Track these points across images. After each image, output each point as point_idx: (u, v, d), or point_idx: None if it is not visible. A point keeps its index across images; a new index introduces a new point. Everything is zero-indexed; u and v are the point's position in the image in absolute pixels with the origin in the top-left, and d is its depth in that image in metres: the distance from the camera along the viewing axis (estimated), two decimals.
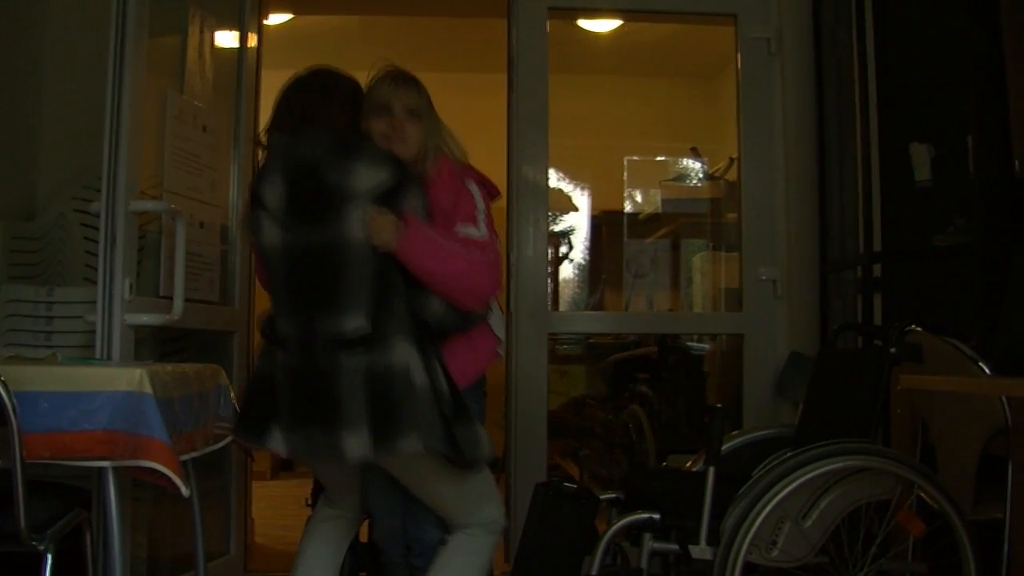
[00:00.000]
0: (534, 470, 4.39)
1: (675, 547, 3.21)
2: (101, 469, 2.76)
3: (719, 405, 3.57)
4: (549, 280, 4.94)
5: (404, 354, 2.73)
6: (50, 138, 4.23)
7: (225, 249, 4.27)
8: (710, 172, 6.57)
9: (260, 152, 3.03)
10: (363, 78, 3.02)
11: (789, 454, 3.10)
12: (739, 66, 4.74)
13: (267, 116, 3.00)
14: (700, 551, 3.06)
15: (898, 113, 4.13)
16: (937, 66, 3.99)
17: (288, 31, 6.28)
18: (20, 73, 4.19)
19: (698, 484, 3.12)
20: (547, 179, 4.64)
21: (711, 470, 3.09)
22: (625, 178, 6.92)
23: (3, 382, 2.51)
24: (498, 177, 3.20)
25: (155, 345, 3.73)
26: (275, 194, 2.83)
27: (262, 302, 3.04)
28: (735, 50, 4.75)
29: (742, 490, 3.05)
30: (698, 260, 6.48)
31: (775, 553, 2.99)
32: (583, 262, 7.32)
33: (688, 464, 3.78)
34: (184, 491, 2.74)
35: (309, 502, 3.59)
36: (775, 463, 3.07)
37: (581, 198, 7.37)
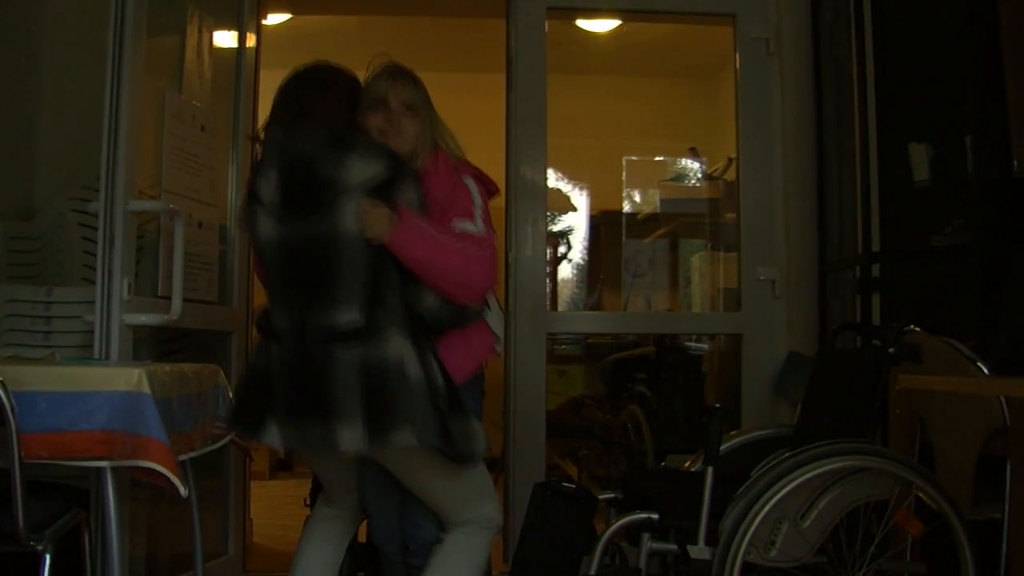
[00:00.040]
0: (532, 470, 4.38)
1: (674, 547, 3.21)
2: (99, 469, 2.76)
3: (717, 405, 3.58)
4: (547, 280, 4.94)
5: (398, 347, 2.72)
6: (49, 138, 4.23)
7: (224, 249, 4.27)
8: (709, 172, 6.57)
9: (258, 148, 3.03)
10: (362, 77, 3.02)
11: (788, 454, 3.11)
12: (738, 66, 4.74)
13: (266, 115, 3.00)
14: (699, 551, 3.06)
15: (897, 113, 4.13)
16: (936, 66, 3.99)
17: (287, 31, 6.28)
18: (19, 73, 4.19)
19: (697, 484, 3.12)
20: (545, 179, 4.64)
21: (709, 470, 3.09)
22: (624, 178, 6.92)
23: (2, 382, 2.50)
24: (497, 177, 3.20)
25: (153, 345, 3.73)
26: (270, 188, 2.84)
27: (261, 302, 3.04)
28: (734, 50, 4.75)
29: (740, 490, 3.05)
30: (697, 260, 6.48)
31: (773, 553, 2.99)
32: (581, 262, 7.32)
33: (687, 464, 3.78)
34: (182, 491, 2.74)
35: (307, 502, 3.59)
36: (773, 463, 3.07)
37: (580, 198, 7.37)
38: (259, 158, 2.99)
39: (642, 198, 6.91)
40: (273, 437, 2.84)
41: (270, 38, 5.25)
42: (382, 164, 2.78)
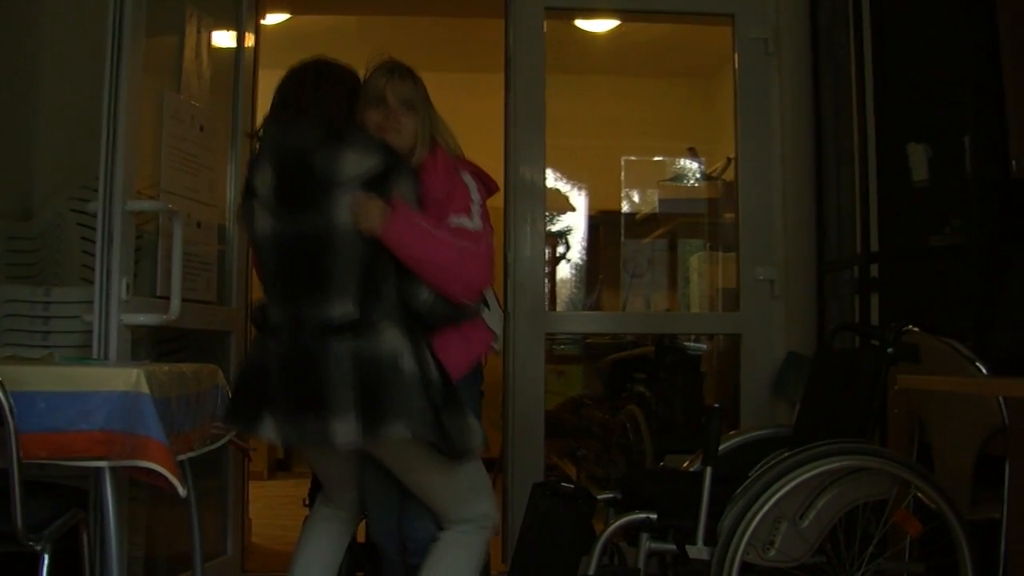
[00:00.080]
0: (531, 470, 4.39)
1: (672, 547, 3.21)
2: (98, 469, 2.75)
3: (716, 405, 3.58)
4: (546, 280, 4.95)
5: (392, 340, 2.72)
6: (47, 138, 4.23)
7: (222, 249, 4.26)
8: (707, 172, 6.58)
9: (256, 145, 3.03)
10: (362, 75, 3.02)
11: (786, 454, 3.11)
12: (736, 66, 4.74)
13: (265, 113, 3.00)
14: (697, 551, 3.06)
15: (895, 113, 4.13)
16: (934, 66, 3.99)
17: (285, 31, 6.28)
18: (17, 73, 4.19)
19: (695, 484, 3.12)
20: (544, 179, 4.65)
21: (708, 470, 3.09)
22: (622, 178, 6.93)
23: (0, 382, 2.50)
24: (496, 177, 3.20)
25: (152, 345, 3.73)
26: (265, 182, 2.84)
27: (258, 297, 3.05)
28: (732, 50, 4.75)
29: (739, 490, 3.05)
30: (695, 260, 6.49)
31: (772, 553, 2.99)
32: (580, 262, 7.33)
33: (685, 464, 3.79)
34: (181, 491, 2.73)
35: (306, 502, 3.59)
36: (772, 463, 3.07)
37: (578, 198, 7.38)
38: (256, 153, 2.99)
39: (641, 198, 6.91)
40: (269, 431, 2.84)
41: (269, 38, 5.25)
42: (377, 157, 2.78)
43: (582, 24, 6.13)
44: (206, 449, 3.15)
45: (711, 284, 6.30)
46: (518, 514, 3.73)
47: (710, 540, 3.04)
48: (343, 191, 2.73)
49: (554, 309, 6.72)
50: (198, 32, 4.05)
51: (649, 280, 6.61)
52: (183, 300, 3.53)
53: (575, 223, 7.35)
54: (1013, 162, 3.34)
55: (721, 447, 3.43)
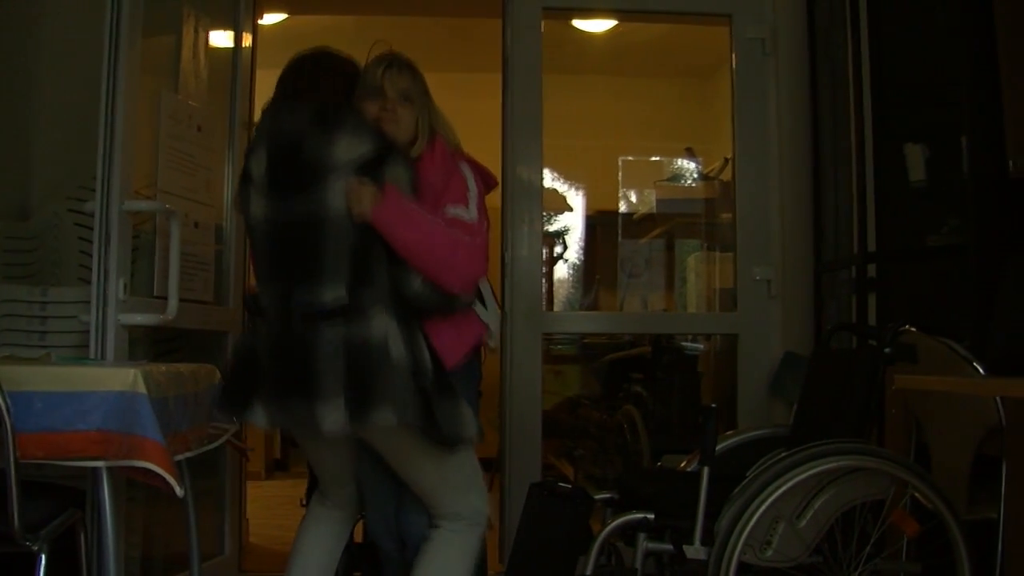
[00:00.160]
0: (528, 470, 4.39)
1: (669, 547, 3.21)
2: (95, 469, 2.75)
3: (713, 405, 3.58)
4: (543, 280, 4.95)
5: (382, 326, 2.71)
6: (45, 138, 4.22)
7: (220, 249, 4.26)
8: (705, 172, 6.58)
9: (254, 132, 3.04)
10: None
11: (783, 454, 3.10)
12: (733, 66, 4.75)
13: None
14: (695, 551, 3.06)
15: (892, 113, 4.13)
16: (932, 66, 3.99)
17: (283, 31, 6.27)
18: (15, 73, 4.19)
19: (692, 484, 3.12)
20: (541, 179, 4.65)
21: (705, 470, 3.09)
22: (620, 178, 6.92)
23: None
24: None
25: (149, 345, 3.73)
26: (259, 167, 2.84)
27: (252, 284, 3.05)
28: (730, 50, 4.75)
29: (736, 490, 3.05)
30: (692, 260, 6.49)
31: (769, 553, 2.99)
32: (578, 262, 7.33)
33: (682, 464, 3.79)
34: (178, 491, 2.73)
35: (304, 502, 3.58)
36: (769, 463, 3.07)
37: (576, 198, 7.37)
38: (252, 140, 3.00)
39: (638, 198, 6.91)
40: (259, 417, 2.84)
41: (266, 38, 5.24)
42: (370, 143, 2.78)
43: (579, 24, 6.13)
44: (203, 449, 3.15)
45: (708, 284, 6.30)
46: (515, 514, 3.73)
47: (707, 540, 3.04)
48: (336, 176, 2.73)
49: (551, 309, 6.72)
50: (195, 32, 4.05)
51: (646, 280, 6.61)
52: (180, 300, 3.53)
53: (572, 223, 7.35)
54: (1010, 162, 3.34)
55: (718, 447, 3.42)
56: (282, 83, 2.95)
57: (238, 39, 4.45)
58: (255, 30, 4.77)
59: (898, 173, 3.97)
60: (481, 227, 2.90)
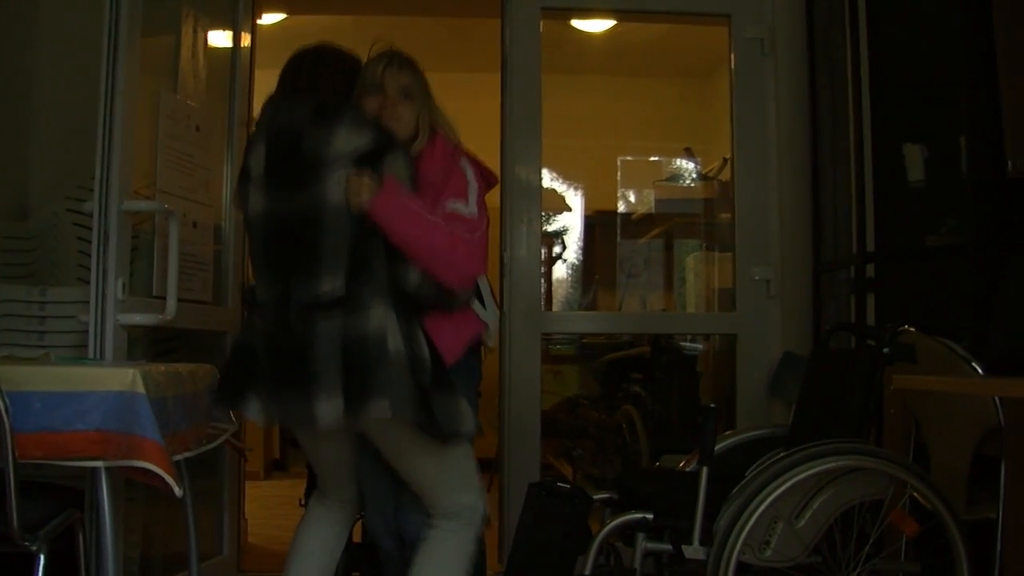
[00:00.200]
0: (527, 470, 4.39)
1: (668, 547, 3.21)
2: (94, 469, 2.75)
3: (712, 405, 3.57)
4: (542, 280, 4.95)
5: (380, 319, 2.71)
6: (43, 137, 4.22)
7: (218, 249, 4.26)
8: (703, 172, 6.58)
9: (253, 128, 3.04)
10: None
11: (782, 454, 3.11)
12: (732, 66, 4.75)
13: None
14: (693, 551, 3.07)
15: (891, 113, 4.13)
16: (930, 66, 4.00)
17: (281, 31, 6.27)
18: (13, 72, 4.18)
19: (691, 484, 3.13)
20: (540, 179, 4.65)
21: (704, 470, 3.09)
22: (618, 178, 6.92)
23: None
24: None
25: (148, 345, 3.72)
26: (258, 162, 2.85)
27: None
28: (729, 50, 4.76)
29: (735, 490, 3.05)
30: (691, 260, 6.49)
31: (768, 553, 2.99)
32: (576, 262, 7.33)
33: (681, 464, 3.79)
34: (177, 491, 2.73)
35: (303, 502, 3.58)
36: (768, 463, 3.08)
37: (574, 198, 7.37)
38: (251, 135, 3.00)
39: (637, 198, 6.91)
40: (255, 411, 2.84)
41: (265, 38, 5.24)
42: (368, 136, 2.78)
43: (578, 24, 6.13)
44: (202, 449, 3.14)
45: (707, 284, 6.30)
46: (514, 514, 3.73)
47: (706, 540, 3.05)
48: (334, 168, 2.73)
49: (550, 309, 6.72)
50: (194, 32, 4.05)
51: (645, 280, 6.61)
52: (179, 300, 3.52)
53: (571, 223, 7.35)
54: (1009, 162, 3.34)
55: (717, 447, 3.42)
56: (283, 79, 2.95)
57: (237, 39, 4.45)
58: (254, 30, 4.77)
59: (897, 173, 3.97)
60: (480, 223, 2.90)
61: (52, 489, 2.88)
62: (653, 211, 6.76)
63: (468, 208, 2.88)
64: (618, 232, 6.78)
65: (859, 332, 3.97)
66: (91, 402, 2.69)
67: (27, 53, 4.22)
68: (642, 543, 3.22)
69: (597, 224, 7.38)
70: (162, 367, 2.98)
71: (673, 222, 6.67)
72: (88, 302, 3.35)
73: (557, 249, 7.26)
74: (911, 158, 3.92)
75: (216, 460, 4.16)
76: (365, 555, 3.46)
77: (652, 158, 6.95)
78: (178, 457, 2.87)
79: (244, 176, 2.91)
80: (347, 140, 2.75)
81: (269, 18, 6.06)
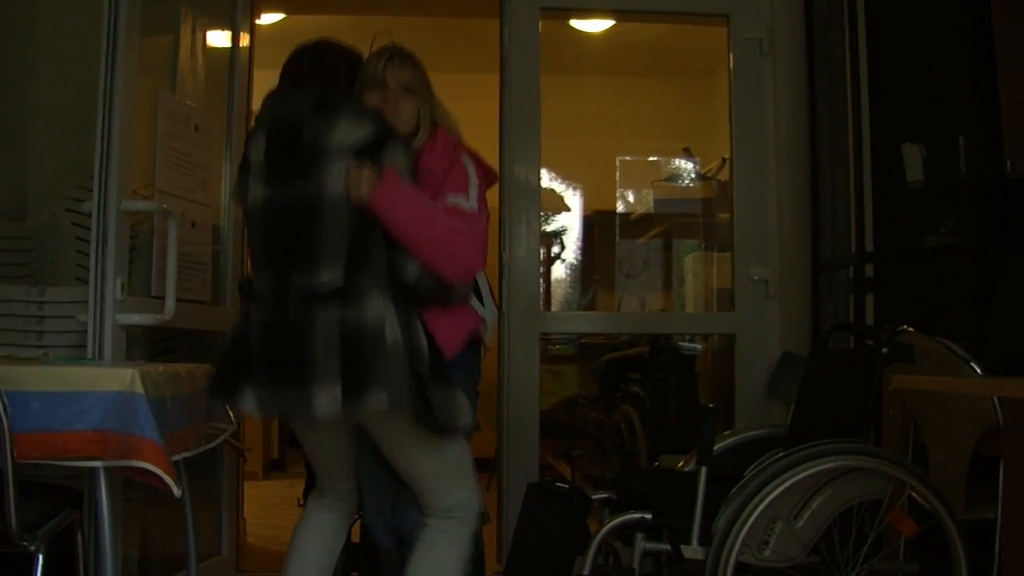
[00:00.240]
0: (526, 470, 4.39)
1: (667, 547, 3.21)
2: (92, 469, 2.75)
3: (711, 405, 3.57)
4: (541, 280, 4.95)
5: (378, 309, 2.70)
6: (42, 137, 4.22)
7: (217, 249, 4.26)
8: (702, 172, 6.59)
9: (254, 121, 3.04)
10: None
11: (781, 454, 3.11)
12: (731, 66, 4.75)
13: None
14: (692, 551, 3.06)
15: (890, 113, 4.13)
16: (929, 66, 4.00)
17: (280, 31, 6.26)
18: (12, 72, 4.18)
19: (690, 484, 3.12)
20: (539, 179, 4.65)
21: (703, 470, 3.09)
22: (617, 178, 6.92)
23: None
24: None
25: (147, 345, 3.72)
26: (258, 152, 2.85)
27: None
28: (727, 50, 4.76)
29: (734, 490, 3.05)
30: (690, 260, 6.49)
31: (767, 553, 2.99)
32: (575, 262, 7.33)
33: (680, 464, 3.79)
34: (176, 491, 2.73)
35: (301, 502, 3.58)
36: (767, 463, 3.08)
37: (573, 198, 7.38)
38: (252, 127, 3.00)
39: (636, 198, 6.92)
40: (248, 403, 2.83)
41: (264, 38, 5.25)
42: (369, 127, 2.78)
43: (577, 24, 6.13)
44: (201, 449, 3.14)
45: (706, 284, 6.30)
46: (513, 514, 3.73)
47: (705, 540, 3.04)
48: (334, 160, 2.73)
49: (549, 309, 6.72)
50: (193, 32, 4.05)
51: (644, 280, 6.61)
52: (178, 300, 3.52)
53: (570, 223, 7.36)
54: (1008, 162, 3.34)
55: (716, 447, 3.42)
56: (284, 73, 2.96)
57: (236, 39, 4.45)
58: (253, 30, 4.78)
59: (896, 173, 3.97)
60: (481, 218, 2.90)
61: (51, 489, 2.87)
62: (652, 211, 6.76)
63: (468, 203, 2.88)
64: (617, 232, 6.79)
65: (858, 332, 3.97)
66: (90, 402, 2.69)
67: (26, 53, 4.21)
68: (641, 543, 3.22)
69: (596, 224, 7.39)
70: (160, 367, 2.98)
71: (672, 222, 6.67)
72: (87, 302, 3.35)
73: (556, 249, 7.26)
74: (910, 158, 3.92)
75: (215, 460, 4.16)
76: (364, 554, 3.46)
77: (651, 158, 6.95)
78: (177, 457, 2.87)
79: (244, 166, 2.91)
80: (347, 132, 2.75)
81: (268, 18, 6.06)
